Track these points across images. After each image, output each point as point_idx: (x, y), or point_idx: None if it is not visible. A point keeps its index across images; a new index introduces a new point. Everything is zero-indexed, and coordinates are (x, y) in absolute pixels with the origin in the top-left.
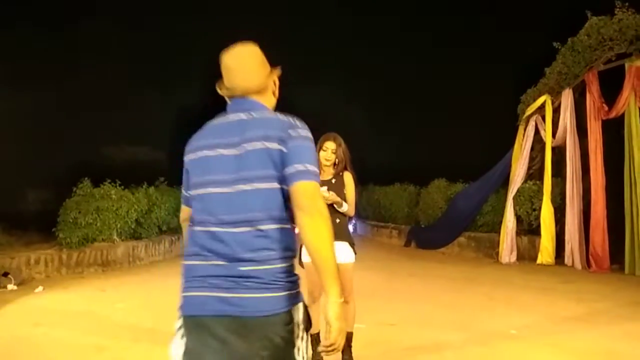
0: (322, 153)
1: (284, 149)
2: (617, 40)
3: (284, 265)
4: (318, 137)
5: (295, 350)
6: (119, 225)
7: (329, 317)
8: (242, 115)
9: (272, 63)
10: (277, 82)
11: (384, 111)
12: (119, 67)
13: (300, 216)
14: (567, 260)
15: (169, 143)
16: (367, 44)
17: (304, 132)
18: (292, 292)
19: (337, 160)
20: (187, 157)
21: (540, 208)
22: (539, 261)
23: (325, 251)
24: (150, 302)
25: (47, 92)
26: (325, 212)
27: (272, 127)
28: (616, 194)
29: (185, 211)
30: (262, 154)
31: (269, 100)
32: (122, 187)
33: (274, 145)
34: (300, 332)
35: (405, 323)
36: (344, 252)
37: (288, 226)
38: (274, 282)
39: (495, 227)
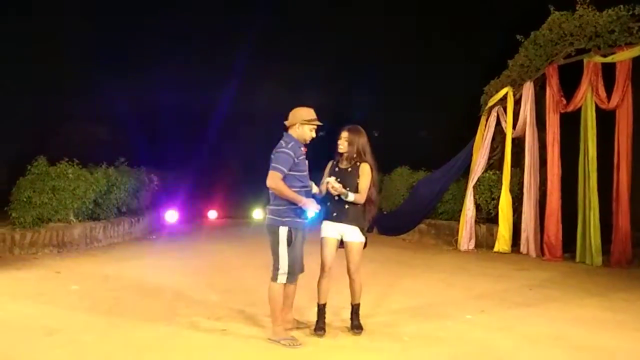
0: (339, 141)
1: (273, 156)
2: (577, 35)
3: (276, 207)
4: None
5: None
6: (75, 206)
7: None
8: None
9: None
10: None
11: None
12: (80, 46)
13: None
14: (523, 248)
15: (130, 123)
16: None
17: (281, 149)
18: (278, 218)
19: (355, 149)
20: None
21: (499, 197)
22: (495, 249)
23: (278, 191)
24: (107, 285)
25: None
26: (271, 183)
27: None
28: (570, 186)
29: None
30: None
31: (294, 132)
32: (80, 166)
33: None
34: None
35: (364, 307)
36: (352, 233)
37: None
38: (272, 212)
39: (455, 215)
